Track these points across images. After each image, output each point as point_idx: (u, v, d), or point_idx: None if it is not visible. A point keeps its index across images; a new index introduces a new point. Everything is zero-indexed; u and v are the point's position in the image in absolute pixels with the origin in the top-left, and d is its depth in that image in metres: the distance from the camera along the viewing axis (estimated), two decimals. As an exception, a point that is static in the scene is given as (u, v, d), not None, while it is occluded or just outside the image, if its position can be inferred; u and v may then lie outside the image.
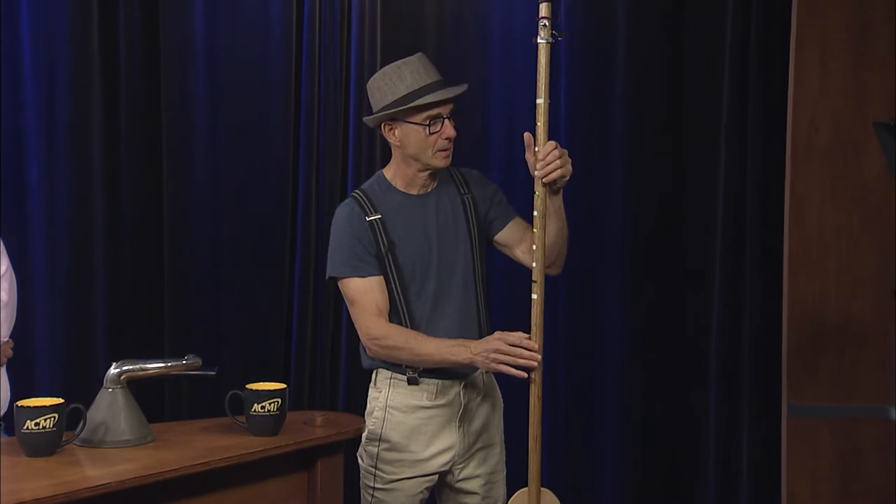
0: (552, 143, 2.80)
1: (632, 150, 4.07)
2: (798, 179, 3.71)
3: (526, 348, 2.80)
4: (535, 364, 2.80)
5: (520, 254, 3.09)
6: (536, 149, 2.82)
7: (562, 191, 2.91)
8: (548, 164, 2.80)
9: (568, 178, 2.84)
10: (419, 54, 3.05)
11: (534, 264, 2.85)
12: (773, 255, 3.85)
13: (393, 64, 3.05)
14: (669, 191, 4.08)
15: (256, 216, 4.09)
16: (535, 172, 2.82)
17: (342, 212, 3.08)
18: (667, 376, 4.10)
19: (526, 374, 2.81)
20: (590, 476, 4.14)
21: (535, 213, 2.82)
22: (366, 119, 3.12)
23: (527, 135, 2.84)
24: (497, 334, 2.86)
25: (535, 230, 2.83)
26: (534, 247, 2.83)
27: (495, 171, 3.98)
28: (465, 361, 2.91)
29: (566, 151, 2.82)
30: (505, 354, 2.80)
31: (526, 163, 2.86)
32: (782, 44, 3.76)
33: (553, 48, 2.80)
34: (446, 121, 2.99)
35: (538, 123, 2.80)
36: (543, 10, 2.75)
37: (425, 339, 2.98)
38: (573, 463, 4.11)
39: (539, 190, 2.82)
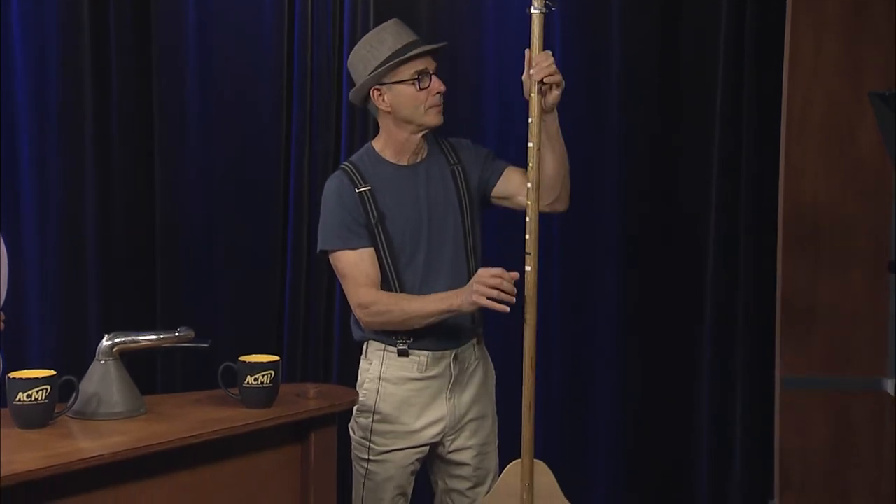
0: (547, 52, 2.82)
1: (626, 123, 4.06)
2: (793, 154, 3.72)
3: (506, 281, 2.80)
4: (513, 293, 2.80)
5: (522, 200, 3.00)
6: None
7: (556, 112, 2.91)
8: (542, 66, 2.81)
9: (562, 88, 2.85)
10: (395, 19, 3.07)
11: (527, 236, 2.85)
12: (768, 229, 3.85)
13: (370, 32, 3.08)
14: (665, 166, 4.08)
15: (249, 189, 4.08)
16: (531, 73, 2.82)
17: (331, 184, 3.09)
18: (661, 347, 4.11)
19: (507, 309, 2.81)
20: (583, 448, 4.15)
21: (530, 144, 2.81)
22: (352, 94, 3.11)
23: (526, 50, 2.84)
24: (479, 271, 2.88)
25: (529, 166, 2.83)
26: (528, 185, 2.83)
27: (489, 142, 3.97)
28: (455, 307, 2.92)
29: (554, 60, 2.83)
30: (485, 286, 2.81)
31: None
32: (778, 19, 3.76)
33: (547, 20, 2.81)
34: (434, 76, 3.00)
35: (532, 95, 2.81)
36: (536, -21, 2.77)
37: (413, 298, 3.00)
38: (566, 436, 4.12)
39: (534, 113, 2.82)
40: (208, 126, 4.08)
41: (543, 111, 2.85)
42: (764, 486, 3.90)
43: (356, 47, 3.09)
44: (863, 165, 3.66)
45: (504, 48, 4.02)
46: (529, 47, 2.81)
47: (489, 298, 2.81)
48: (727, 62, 3.95)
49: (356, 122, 3.96)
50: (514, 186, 3.11)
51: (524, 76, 2.85)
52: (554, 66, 2.81)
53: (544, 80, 2.82)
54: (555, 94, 2.86)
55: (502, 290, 2.81)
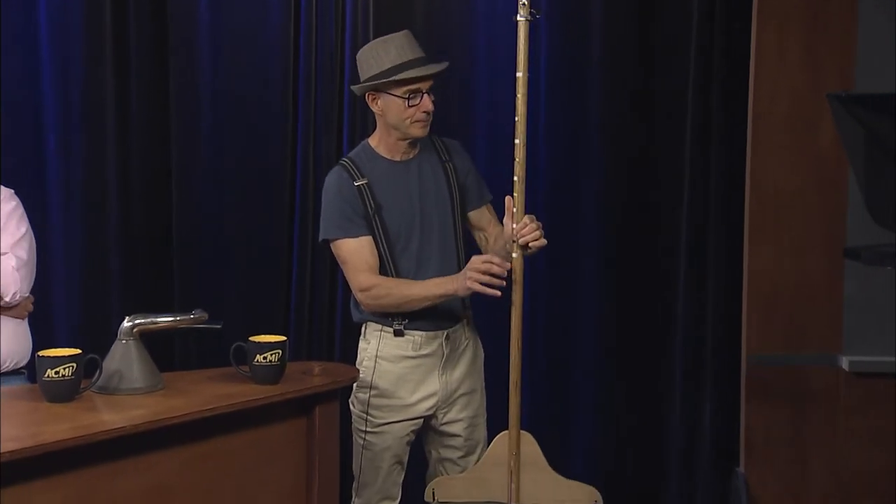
0: (530, 216, 2.87)
1: (607, 123, 4.06)
2: (758, 148, 3.71)
3: (496, 267, 2.84)
4: (504, 274, 2.83)
5: (482, 238, 3.18)
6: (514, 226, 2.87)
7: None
8: (527, 234, 2.85)
9: (543, 246, 2.91)
10: (405, 31, 3.06)
11: (514, 225, 2.86)
12: (735, 217, 3.86)
13: (380, 38, 3.07)
14: (642, 162, 4.08)
15: (258, 183, 4.08)
16: (516, 238, 2.87)
17: (332, 178, 3.09)
18: (638, 327, 4.11)
19: (499, 294, 2.84)
20: (564, 420, 4.16)
21: (517, 141, 2.85)
22: (353, 87, 3.12)
23: (507, 198, 2.89)
24: (472, 259, 2.90)
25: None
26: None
27: (480, 139, 3.98)
28: (451, 292, 2.94)
29: (541, 225, 2.88)
30: (479, 274, 2.84)
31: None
32: (744, 22, 3.76)
33: (532, 26, 2.81)
34: (425, 95, 3.00)
35: (518, 95, 2.82)
36: (522, -11, 2.77)
37: (412, 282, 3.02)
38: (550, 409, 4.13)
39: (516, 252, 2.88)
40: (221, 128, 4.07)
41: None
42: (731, 454, 3.91)
43: (368, 45, 3.10)
44: (822, 159, 3.65)
45: (493, 53, 4.00)
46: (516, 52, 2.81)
47: (482, 284, 2.83)
48: (697, 65, 3.95)
49: (356, 122, 3.96)
50: (483, 222, 3.19)
51: (505, 219, 2.90)
52: (537, 232, 2.86)
53: (529, 245, 2.87)
54: (535, 250, 2.91)
55: (494, 276, 2.83)
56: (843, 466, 3.73)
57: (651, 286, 4.11)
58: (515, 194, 2.86)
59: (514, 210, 2.87)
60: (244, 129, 4.06)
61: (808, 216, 3.69)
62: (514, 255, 2.87)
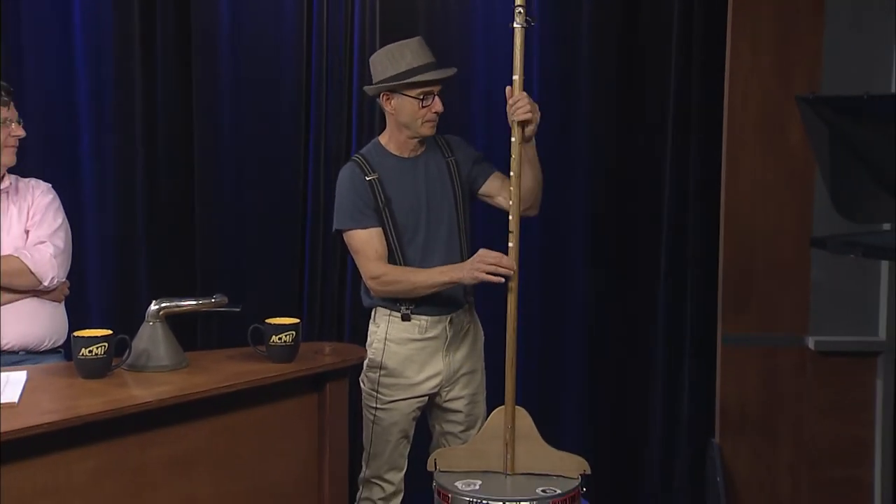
0: (524, 93, 2.83)
1: (594, 123, 4.06)
2: (733, 146, 3.71)
3: (503, 271, 2.84)
4: (510, 272, 2.83)
5: (501, 201, 3.10)
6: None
7: (534, 140, 2.92)
8: (519, 107, 2.82)
9: (537, 123, 2.86)
10: (418, 38, 3.06)
11: (510, 217, 2.86)
12: (713, 209, 3.86)
13: (396, 43, 3.05)
14: (626, 157, 4.07)
15: (274, 178, 4.07)
16: (509, 114, 2.83)
17: (345, 173, 3.08)
18: (623, 312, 4.12)
19: (503, 280, 2.84)
20: (555, 396, 4.16)
21: (513, 139, 2.83)
22: (367, 88, 3.11)
23: (508, 88, 2.85)
24: (480, 251, 2.90)
25: (511, 175, 2.84)
26: (511, 196, 2.85)
27: (477, 139, 3.97)
28: (456, 279, 2.94)
29: (536, 105, 2.85)
30: (485, 264, 2.84)
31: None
32: (720, 32, 3.76)
33: (526, 34, 2.81)
34: (436, 97, 2.99)
35: (514, 128, 2.83)
36: (518, -1, 2.77)
37: (419, 270, 3.01)
38: (542, 386, 4.13)
39: (515, 135, 2.83)
40: (240, 130, 4.05)
41: (523, 140, 2.86)
42: (707, 426, 3.92)
43: (382, 49, 3.08)
44: (791, 156, 3.65)
45: (491, 58, 3.99)
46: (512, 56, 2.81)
47: (488, 273, 2.84)
48: (677, 70, 3.95)
49: (364, 121, 3.95)
50: (495, 189, 3.14)
51: (508, 107, 2.86)
52: (528, 107, 2.82)
53: (523, 121, 2.84)
54: (531, 128, 2.87)
55: (499, 266, 2.83)
56: (809, 437, 3.74)
57: (635, 273, 4.11)
58: (512, 188, 2.85)
59: (511, 203, 2.86)
60: (261, 128, 4.05)
61: (778, 208, 3.70)
62: (510, 244, 2.86)
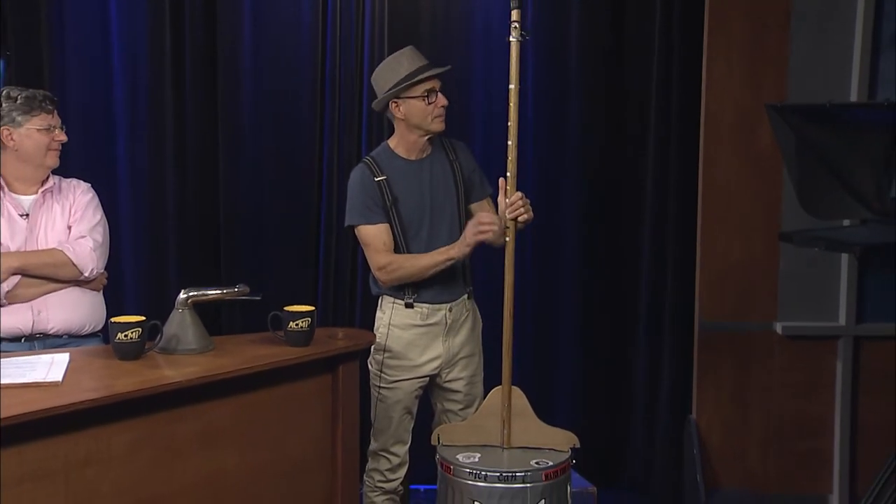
0: (519, 193, 2.83)
1: (584, 126, 4.06)
2: (709, 148, 3.72)
3: (486, 220, 2.87)
4: (495, 227, 2.85)
5: None
6: (507, 199, 2.84)
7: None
8: (516, 209, 2.82)
9: (530, 220, 2.87)
10: (410, 46, 3.06)
11: (506, 214, 2.86)
12: (691, 206, 3.87)
13: (390, 56, 3.06)
14: (613, 158, 4.08)
15: (291, 178, 4.06)
16: (505, 214, 2.84)
17: (356, 174, 3.09)
18: (609, 299, 4.13)
19: (503, 242, 2.86)
20: (548, 377, 4.17)
21: (510, 142, 2.81)
22: (375, 103, 3.11)
23: (501, 180, 2.86)
24: (469, 224, 2.93)
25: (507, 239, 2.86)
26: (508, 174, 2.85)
27: (476, 142, 3.97)
28: (453, 256, 2.95)
29: (528, 201, 2.84)
30: (479, 226, 2.87)
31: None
32: (697, 47, 3.77)
33: (521, 45, 2.81)
34: (439, 93, 3.00)
35: (510, 104, 2.81)
36: (514, 15, 2.77)
37: (419, 255, 3.02)
38: (536, 368, 4.14)
39: (510, 224, 2.85)
40: (261, 135, 4.04)
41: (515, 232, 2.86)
42: (685, 403, 3.93)
43: (379, 67, 3.08)
44: (761, 158, 3.67)
45: (490, 69, 4.00)
46: (509, 66, 2.80)
47: (482, 232, 2.87)
48: (658, 81, 3.96)
49: (373, 127, 3.96)
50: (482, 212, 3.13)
51: (500, 198, 2.86)
52: (523, 209, 2.82)
53: (518, 220, 2.84)
54: (522, 226, 2.88)
55: (485, 224, 2.87)
56: (778, 414, 3.75)
57: (620, 266, 4.11)
58: (508, 187, 2.86)
59: (507, 188, 2.87)
60: (280, 133, 4.06)
61: (750, 205, 3.71)
62: (506, 238, 2.86)
